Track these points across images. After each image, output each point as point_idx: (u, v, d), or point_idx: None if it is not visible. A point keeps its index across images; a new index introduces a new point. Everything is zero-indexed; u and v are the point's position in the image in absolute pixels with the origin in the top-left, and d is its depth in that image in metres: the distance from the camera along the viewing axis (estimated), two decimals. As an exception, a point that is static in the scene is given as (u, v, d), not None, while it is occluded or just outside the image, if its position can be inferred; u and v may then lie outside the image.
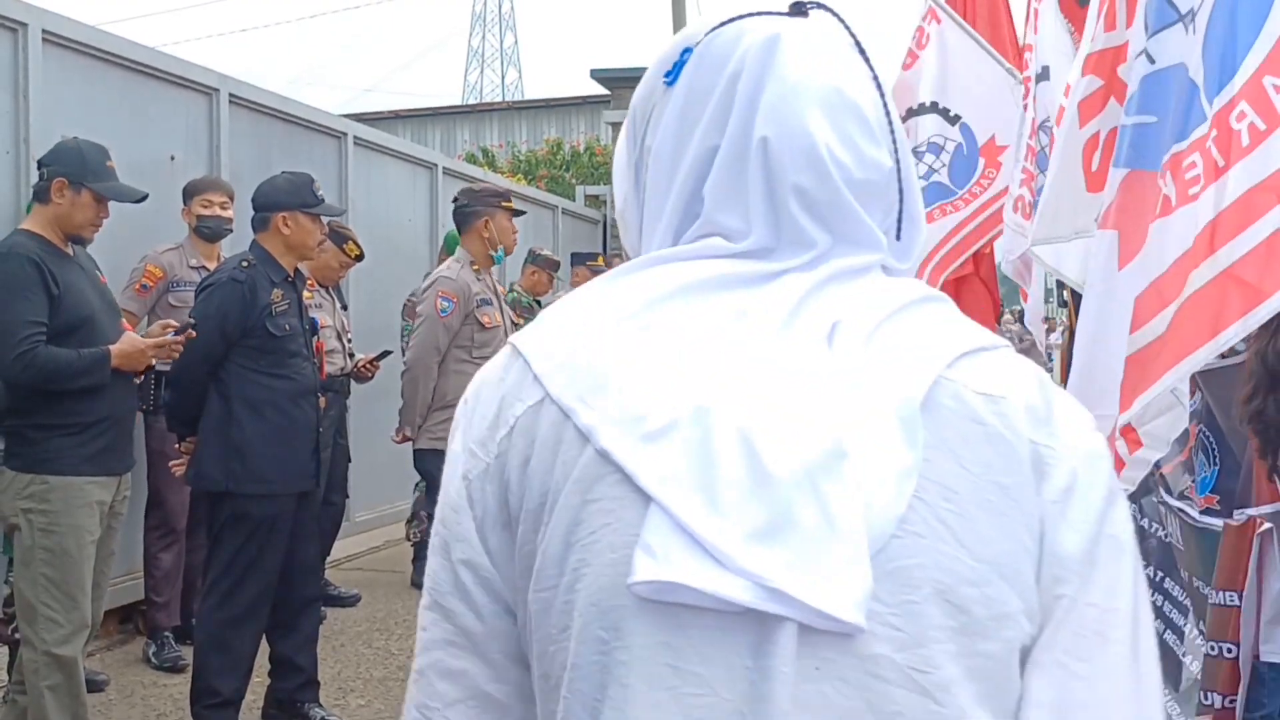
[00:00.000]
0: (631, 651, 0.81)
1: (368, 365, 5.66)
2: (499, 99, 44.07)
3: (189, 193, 5.14)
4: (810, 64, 0.93)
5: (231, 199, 5.17)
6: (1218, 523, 2.30)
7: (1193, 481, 2.43)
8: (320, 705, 4.28)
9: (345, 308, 6.00)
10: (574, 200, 12.47)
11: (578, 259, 8.89)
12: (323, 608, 4.42)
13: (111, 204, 3.73)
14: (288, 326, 3.98)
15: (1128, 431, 2.06)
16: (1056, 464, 0.86)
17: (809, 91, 0.92)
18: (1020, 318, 11.06)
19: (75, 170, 3.59)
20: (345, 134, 7.28)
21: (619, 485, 0.82)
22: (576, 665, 0.82)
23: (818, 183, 0.91)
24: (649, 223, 0.99)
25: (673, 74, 0.98)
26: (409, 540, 6.87)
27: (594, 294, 0.93)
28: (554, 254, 7.99)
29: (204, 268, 4.88)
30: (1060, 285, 4.59)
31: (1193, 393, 2.34)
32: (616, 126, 12.93)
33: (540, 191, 11.64)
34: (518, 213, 5.52)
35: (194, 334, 3.79)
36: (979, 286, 4.72)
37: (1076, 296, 3.04)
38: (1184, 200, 1.96)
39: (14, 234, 3.70)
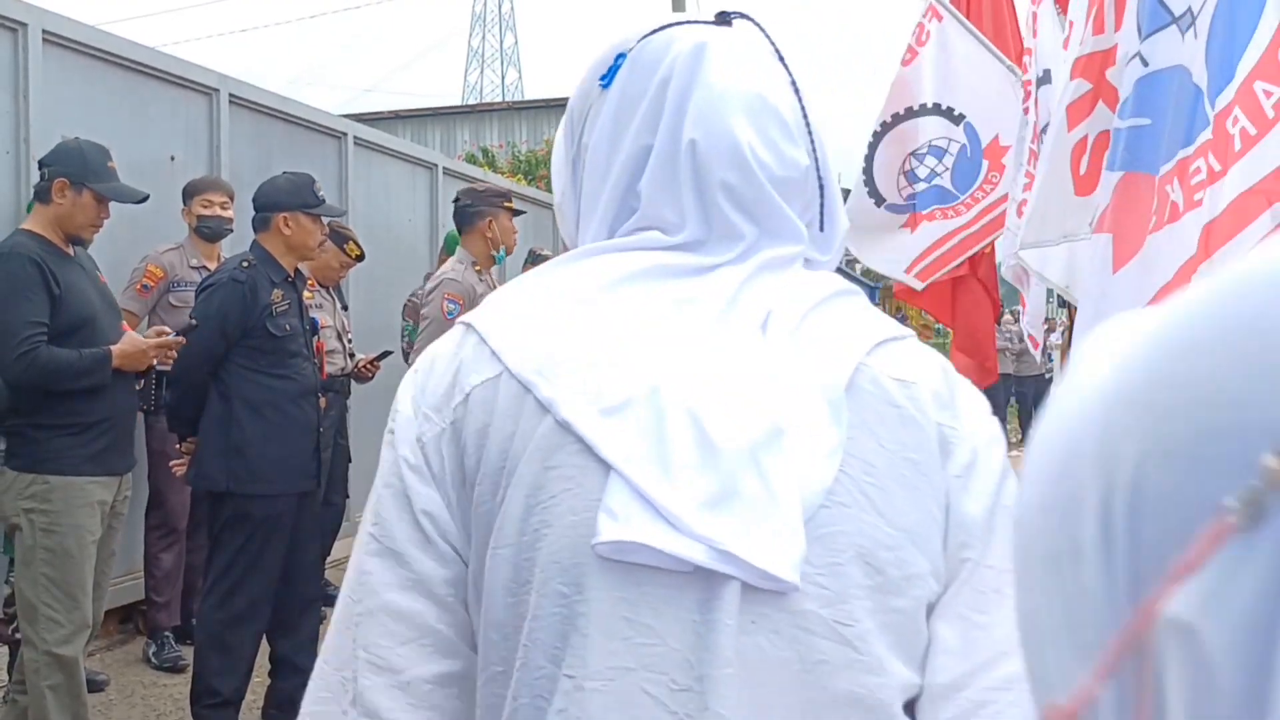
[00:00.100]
0: (591, 605, 0.89)
1: (368, 365, 5.65)
2: (499, 99, 44.04)
3: (189, 193, 5.14)
4: (734, 71, 1.02)
5: (232, 199, 5.17)
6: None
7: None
8: (320, 705, 4.28)
9: (345, 308, 6.00)
10: (574, 200, 12.43)
11: (577, 258, 8.88)
12: (323, 608, 4.41)
13: (112, 204, 3.73)
14: (288, 327, 3.98)
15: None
16: (959, 444, 0.97)
17: (733, 97, 1.01)
18: (1019, 319, 11.05)
19: (77, 170, 3.59)
20: (345, 134, 7.27)
21: (579, 455, 0.90)
22: (538, 616, 0.90)
23: (743, 180, 1.00)
24: (585, 214, 1.08)
25: (608, 77, 1.06)
26: (409, 540, 6.86)
27: (543, 279, 1.03)
28: (554, 254, 7.98)
29: (204, 268, 4.88)
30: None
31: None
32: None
33: (540, 191, 11.62)
34: (518, 212, 5.53)
35: (195, 333, 3.80)
36: (977, 288, 4.72)
37: (1076, 298, 3.04)
38: (1190, 206, 1.96)
39: (15, 234, 3.70)
